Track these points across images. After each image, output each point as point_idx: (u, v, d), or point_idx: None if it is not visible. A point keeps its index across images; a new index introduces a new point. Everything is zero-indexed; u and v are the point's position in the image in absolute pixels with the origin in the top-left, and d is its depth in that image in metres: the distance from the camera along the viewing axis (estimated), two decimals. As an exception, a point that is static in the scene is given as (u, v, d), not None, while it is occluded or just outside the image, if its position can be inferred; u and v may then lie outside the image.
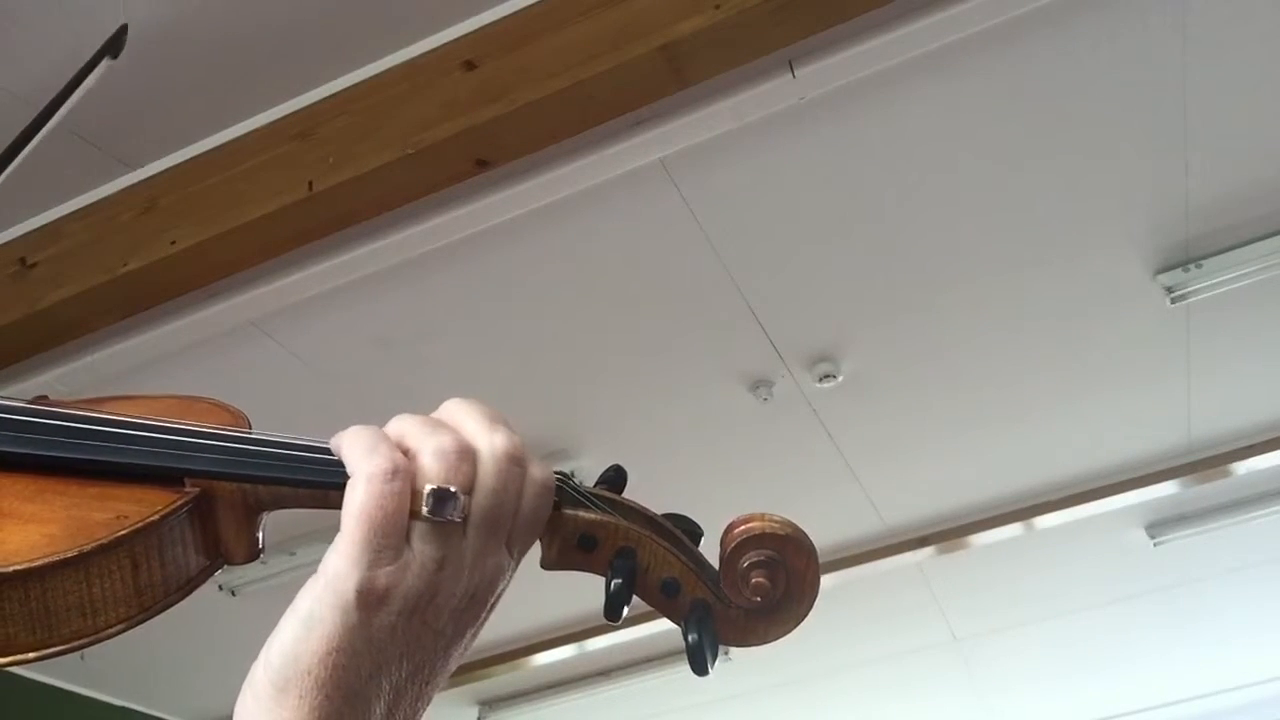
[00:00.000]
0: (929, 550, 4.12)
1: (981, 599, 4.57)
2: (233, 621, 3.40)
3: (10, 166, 1.78)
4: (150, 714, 4.70)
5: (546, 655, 4.52)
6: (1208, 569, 4.45)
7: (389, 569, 0.58)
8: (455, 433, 0.62)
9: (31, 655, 0.60)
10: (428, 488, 0.59)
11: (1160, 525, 4.14)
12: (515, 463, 0.62)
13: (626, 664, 4.71)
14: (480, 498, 0.60)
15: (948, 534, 4.08)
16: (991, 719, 5.55)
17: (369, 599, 0.58)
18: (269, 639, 0.59)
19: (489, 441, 0.62)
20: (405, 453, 0.60)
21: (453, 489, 0.59)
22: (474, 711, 4.95)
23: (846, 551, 4.06)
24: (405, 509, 0.59)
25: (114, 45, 1.96)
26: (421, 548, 0.59)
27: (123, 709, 4.61)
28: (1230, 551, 4.31)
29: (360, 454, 0.60)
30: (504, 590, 0.63)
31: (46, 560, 0.59)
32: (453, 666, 0.63)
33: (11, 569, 0.59)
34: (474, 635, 0.63)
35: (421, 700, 0.61)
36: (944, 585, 4.42)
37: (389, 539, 0.58)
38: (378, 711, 0.59)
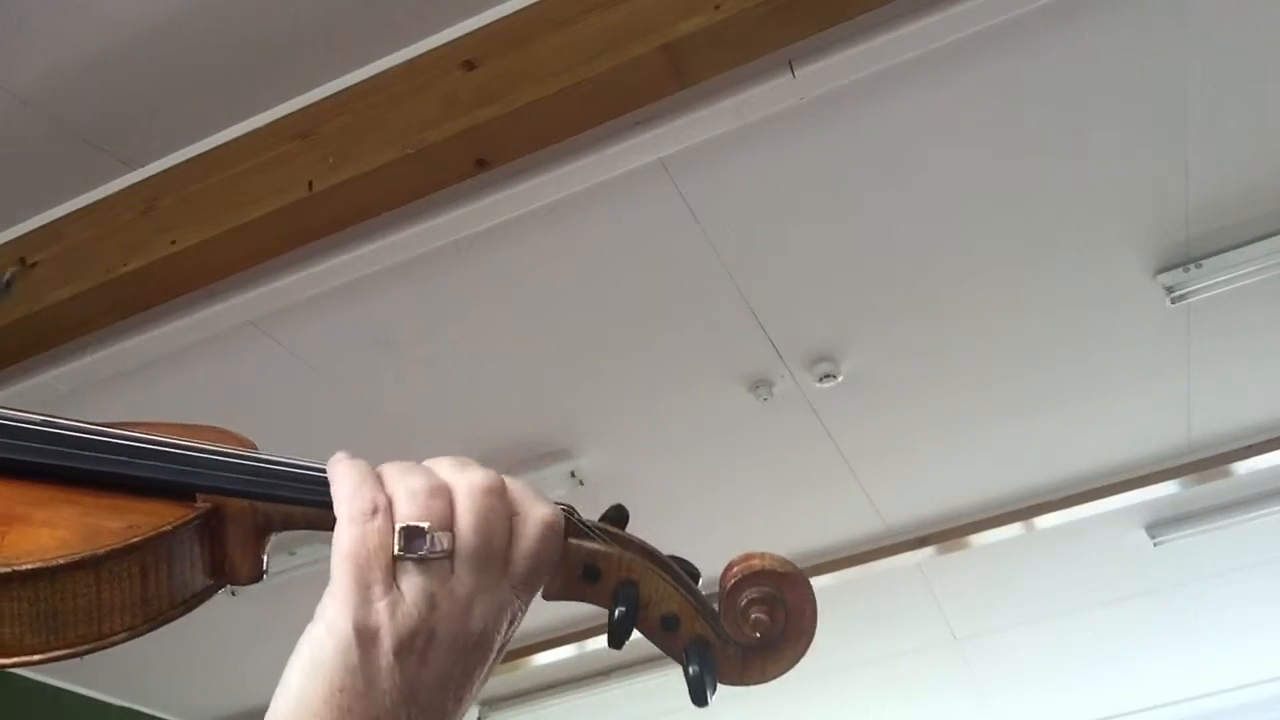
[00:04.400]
0: (929, 550, 4.11)
1: (981, 599, 4.56)
2: (233, 621, 3.41)
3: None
4: (150, 714, 4.69)
5: (546, 655, 4.52)
6: (1208, 569, 4.45)
7: (380, 606, 0.59)
8: (430, 473, 0.63)
9: (36, 658, 0.61)
10: (398, 525, 0.60)
11: (1160, 525, 4.14)
12: (489, 494, 0.63)
13: (626, 664, 4.70)
14: (462, 533, 0.61)
15: (948, 534, 4.08)
16: (991, 719, 5.55)
17: (364, 638, 0.58)
18: (277, 688, 0.59)
19: (463, 479, 0.63)
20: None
21: (423, 525, 0.60)
22: (474, 711, 4.95)
23: (846, 551, 4.05)
24: (387, 548, 0.60)
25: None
26: (409, 586, 0.60)
27: (123, 709, 4.60)
28: (1230, 551, 4.31)
29: (343, 496, 0.62)
30: (512, 633, 0.64)
31: (60, 561, 0.60)
32: (465, 709, 0.63)
33: (26, 567, 0.60)
34: (484, 678, 0.63)
35: None
36: (944, 585, 4.42)
37: (374, 576, 0.59)
38: None
